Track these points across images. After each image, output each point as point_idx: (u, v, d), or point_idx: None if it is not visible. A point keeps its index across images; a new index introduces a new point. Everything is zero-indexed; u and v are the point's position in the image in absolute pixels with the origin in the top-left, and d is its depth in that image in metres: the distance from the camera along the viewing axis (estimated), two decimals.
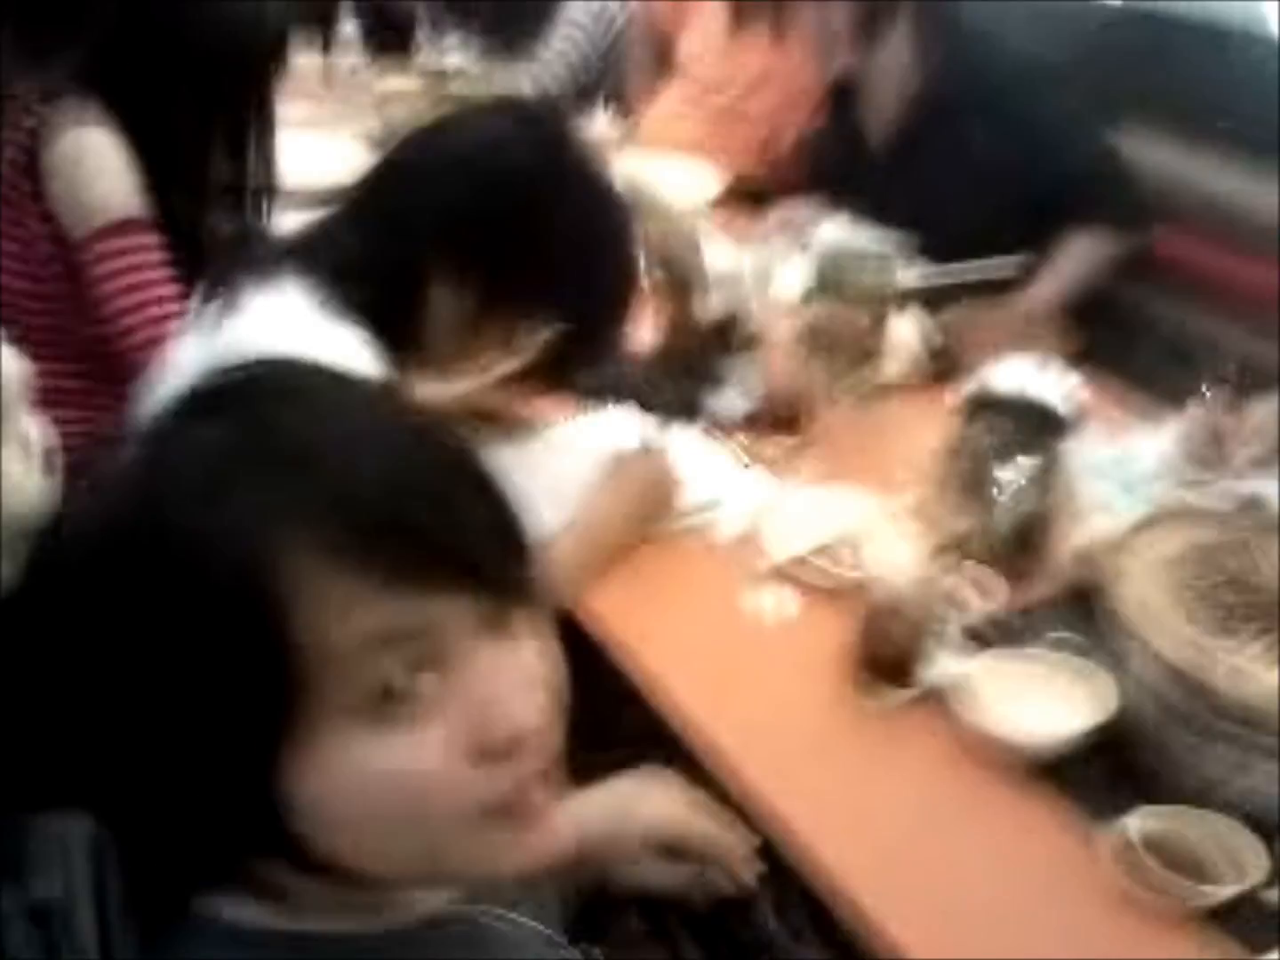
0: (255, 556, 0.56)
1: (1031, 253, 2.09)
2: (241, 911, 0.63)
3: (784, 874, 1.12)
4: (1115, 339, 2.14)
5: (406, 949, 0.64)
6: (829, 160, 2.36)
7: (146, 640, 0.57)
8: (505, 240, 1.23)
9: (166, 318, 1.60)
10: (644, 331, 1.89)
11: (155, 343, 1.56)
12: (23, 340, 1.73)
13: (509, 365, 1.29)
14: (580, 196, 1.27)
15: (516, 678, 0.61)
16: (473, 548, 0.60)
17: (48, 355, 1.72)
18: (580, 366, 1.39)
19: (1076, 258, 2.15)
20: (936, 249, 2.01)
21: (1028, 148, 2.09)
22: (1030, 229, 2.12)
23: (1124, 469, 1.58)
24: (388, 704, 0.57)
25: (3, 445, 1.32)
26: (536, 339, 1.27)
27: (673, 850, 1.07)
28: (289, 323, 1.17)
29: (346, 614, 0.56)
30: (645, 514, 1.48)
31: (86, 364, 1.73)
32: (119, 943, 0.68)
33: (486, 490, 0.63)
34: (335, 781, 0.57)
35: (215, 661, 0.56)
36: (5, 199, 1.72)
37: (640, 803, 1.07)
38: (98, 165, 1.66)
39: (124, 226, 1.66)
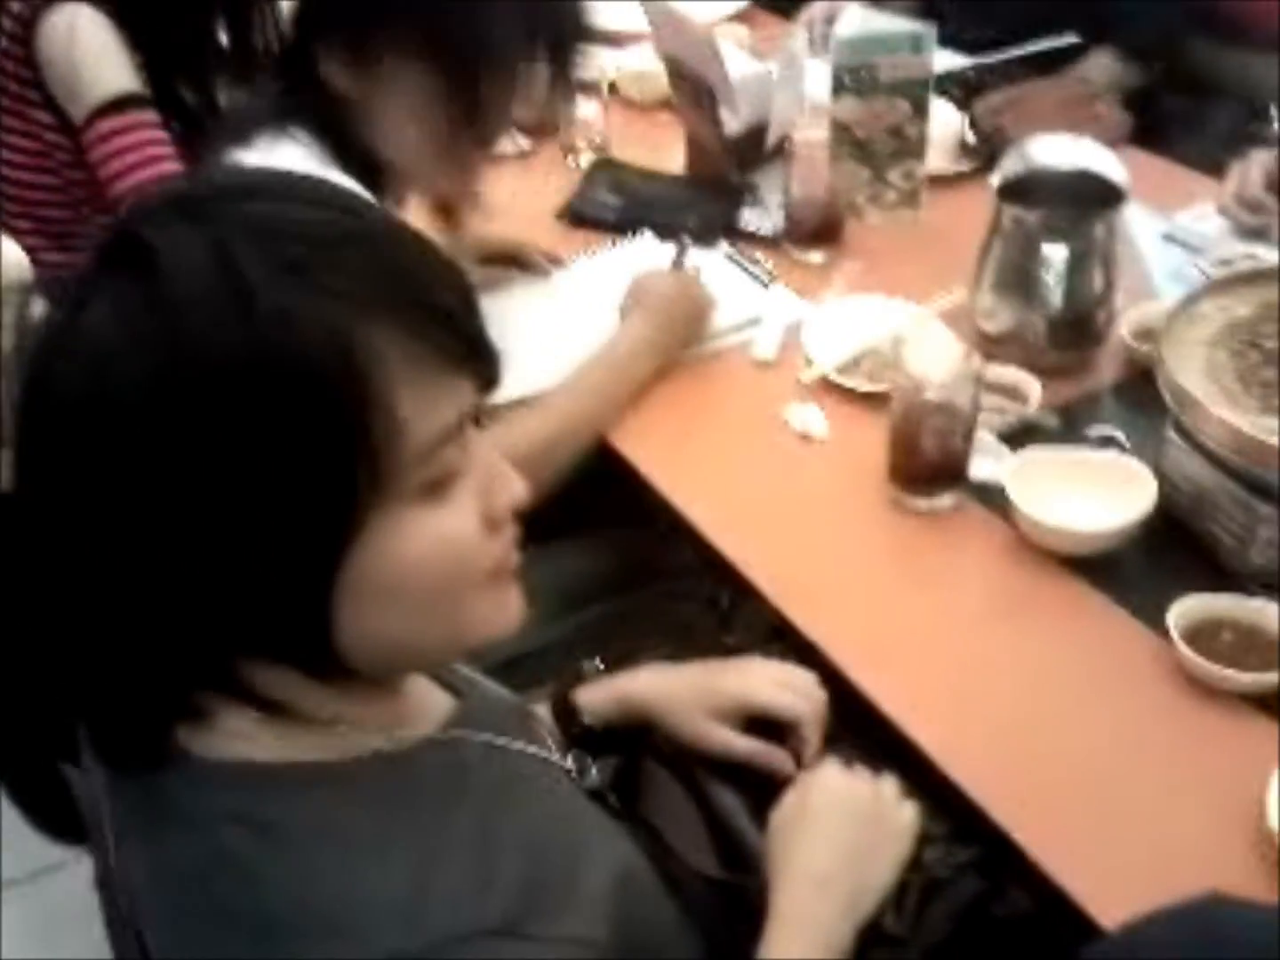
0: (354, 346, 0.57)
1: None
2: (228, 745, 0.64)
3: (836, 690, 1.11)
4: (1176, 115, 2.00)
5: (387, 772, 0.66)
6: None
7: (224, 433, 0.57)
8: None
9: None
10: (670, 152, 1.82)
11: None
12: (41, 233, 1.74)
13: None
14: None
15: (502, 456, 0.67)
16: (485, 335, 0.65)
17: (66, 247, 1.73)
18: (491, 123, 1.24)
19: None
20: (995, 35, 1.89)
21: None
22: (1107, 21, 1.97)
23: (1179, 245, 1.49)
24: (441, 483, 0.62)
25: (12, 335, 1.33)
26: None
27: (751, 725, 1.00)
28: None
29: (432, 406, 0.60)
30: (677, 337, 1.43)
31: None
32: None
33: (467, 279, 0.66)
34: (393, 557, 0.60)
35: (304, 446, 0.57)
36: (7, 90, 1.70)
37: (731, 675, 1.01)
38: (90, 45, 1.62)
39: (122, 105, 1.62)
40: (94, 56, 1.63)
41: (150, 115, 1.65)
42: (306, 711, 0.64)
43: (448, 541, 0.62)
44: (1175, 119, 2.05)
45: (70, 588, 0.61)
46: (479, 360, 0.64)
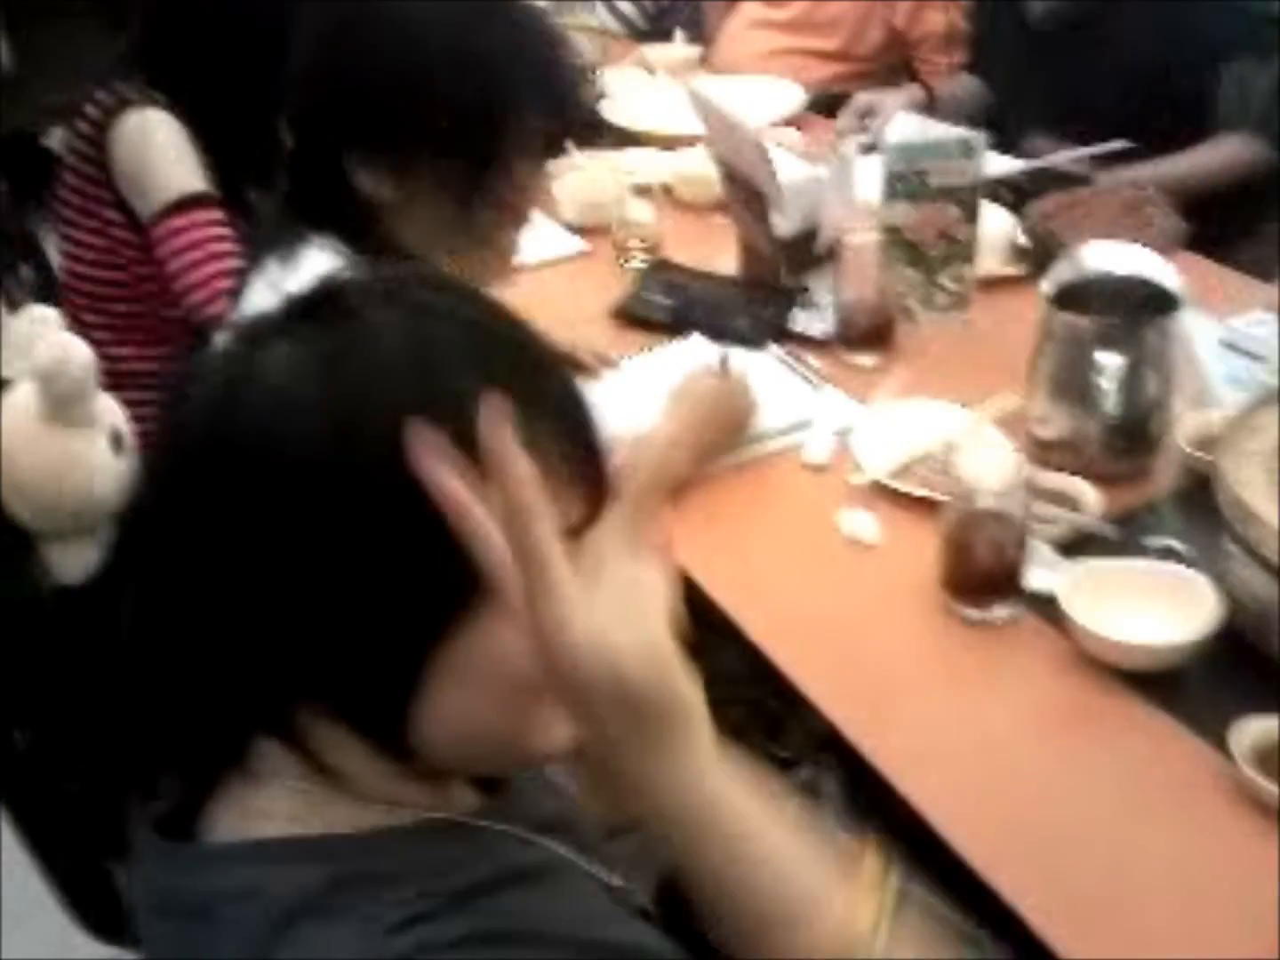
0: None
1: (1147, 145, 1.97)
2: (264, 821, 0.64)
3: (885, 802, 1.08)
4: (1231, 223, 2.00)
5: (409, 844, 0.65)
6: (983, 37, 2.33)
7: (361, 497, 0.58)
8: (381, 94, 1.13)
9: (232, 294, 1.61)
10: (722, 254, 1.84)
11: (222, 320, 1.57)
12: (108, 326, 1.78)
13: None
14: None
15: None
16: (602, 453, 0.65)
17: (132, 340, 1.77)
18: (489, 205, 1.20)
19: (1209, 152, 2.02)
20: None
21: (1186, 42, 1.98)
22: (1174, 131, 2.01)
23: (1238, 351, 1.47)
24: None
25: (84, 429, 1.36)
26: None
27: None
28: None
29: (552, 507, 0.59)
30: (715, 441, 1.42)
31: (169, 347, 1.76)
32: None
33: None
34: (485, 647, 0.61)
35: (430, 527, 0.57)
36: (78, 190, 1.76)
37: None
38: (159, 146, 1.68)
39: (187, 204, 1.67)
40: (163, 158, 1.68)
41: (214, 214, 1.69)
42: (353, 781, 0.64)
43: (530, 647, 0.61)
44: (1233, 222, 2.05)
45: (167, 611, 0.63)
46: (591, 476, 0.64)
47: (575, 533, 0.63)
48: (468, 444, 0.57)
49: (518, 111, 1.14)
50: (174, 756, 0.67)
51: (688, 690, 0.61)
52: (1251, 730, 1.00)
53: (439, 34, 1.13)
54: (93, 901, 1.21)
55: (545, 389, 0.64)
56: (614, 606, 0.59)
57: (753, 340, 1.64)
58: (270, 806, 0.64)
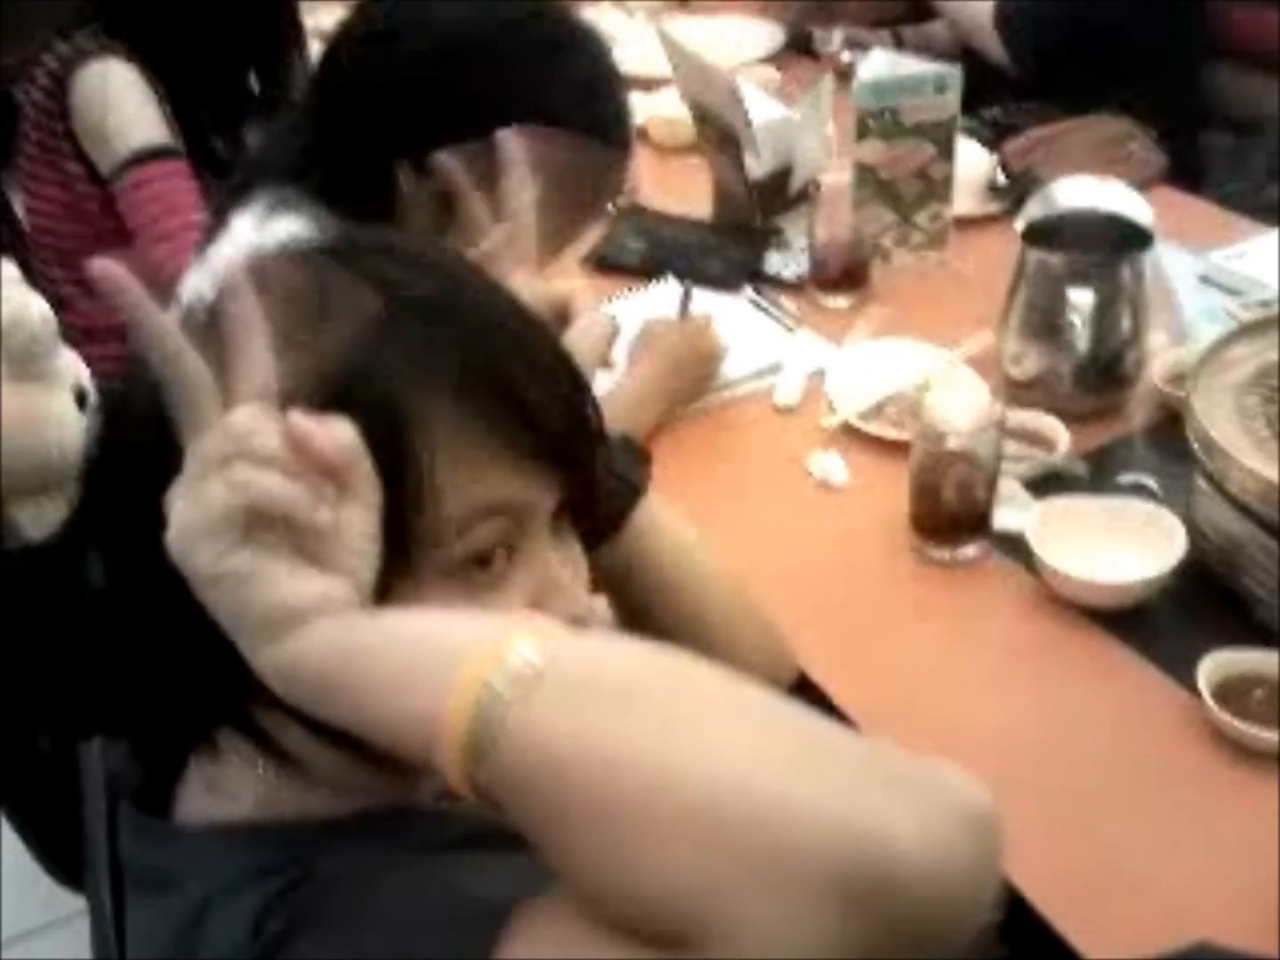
0: (403, 409, 0.56)
1: None
2: (229, 803, 0.63)
3: None
4: (1216, 153, 1.96)
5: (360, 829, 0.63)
6: None
7: None
8: (451, 100, 1.09)
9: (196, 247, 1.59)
10: (698, 197, 1.81)
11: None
12: (75, 281, 1.77)
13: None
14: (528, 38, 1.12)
15: (574, 570, 0.64)
16: (576, 437, 0.62)
17: (98, 293, 1.74)
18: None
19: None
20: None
21: None
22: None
23: (1215, 285, 1.46)
24: (474, 572, 0.59)
25: (46, 385, 1.34)
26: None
27: None
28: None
29: (472, 481, 0.57)
30: (682, 385, 1.41)
31: None
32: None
33: (582, 382, 0.64)
34: None
35: None
36: (40, 143, 1.73)
37: None
38: (120, 97, 1.65)
39: (149, 156, 1.65)
40: (124, 109, 1.66)
41: (177, 166, 1.67)
42: (313, 770, 0.62)
43: None
44: (1215, 157, 2.02)
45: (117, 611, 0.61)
46: (555, 459, 0.60)
47: (546, 517, 0.60)
48: (352, 408, 0.54)
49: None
50: (140, 732, 0.66)
51: None
52: (1217, 665, 1.00)
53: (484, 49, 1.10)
54: (65, 851, 1.21)
55: (474, 362, 0.59)
56: None
57: (726, 283, 1.62)
58: (235, 789, 0.63)
